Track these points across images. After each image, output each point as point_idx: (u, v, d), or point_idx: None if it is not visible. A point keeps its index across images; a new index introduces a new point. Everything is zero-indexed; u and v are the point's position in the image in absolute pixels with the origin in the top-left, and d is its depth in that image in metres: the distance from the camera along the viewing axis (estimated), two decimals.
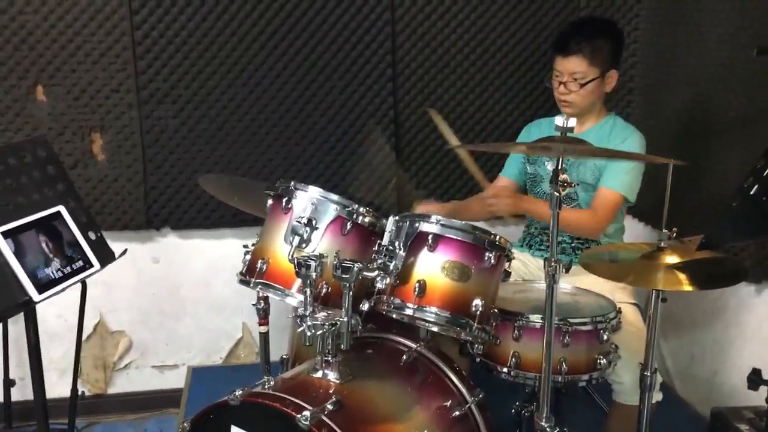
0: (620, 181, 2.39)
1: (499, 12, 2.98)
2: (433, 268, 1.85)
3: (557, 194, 1.67)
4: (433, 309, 1.83)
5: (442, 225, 1.86)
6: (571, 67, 2.38)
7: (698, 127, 2.68)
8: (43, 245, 1.82)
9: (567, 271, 1.73)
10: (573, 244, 2.52)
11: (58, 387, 2.81)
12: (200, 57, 2.80)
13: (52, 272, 1.80)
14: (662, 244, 1.88)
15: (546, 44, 3.01)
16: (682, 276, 1.80)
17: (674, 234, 1.89)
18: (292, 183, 2.00)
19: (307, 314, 1.75)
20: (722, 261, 1.92)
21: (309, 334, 1.74)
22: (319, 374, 1.79)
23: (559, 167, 1.67)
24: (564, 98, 2.44)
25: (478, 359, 2.08)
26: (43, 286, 1.76)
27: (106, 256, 2.02)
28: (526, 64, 3.05)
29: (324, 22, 2.85)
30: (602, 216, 2.39)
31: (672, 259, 1.84)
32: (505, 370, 2.03)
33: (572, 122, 1.68)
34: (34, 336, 1.88)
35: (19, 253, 1.73)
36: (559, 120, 1.69)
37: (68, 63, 2.72)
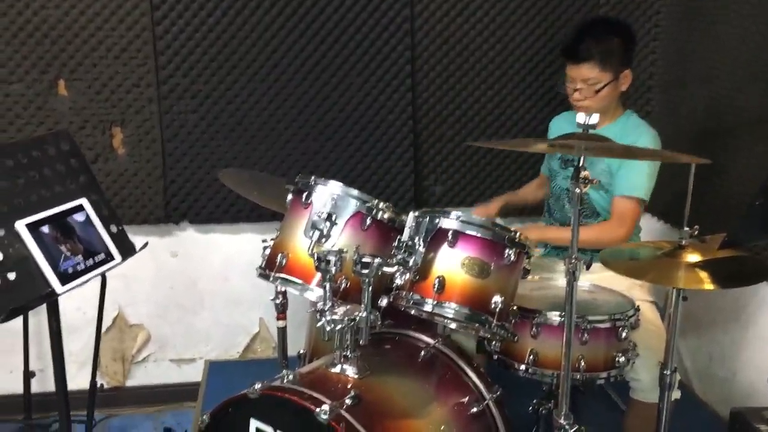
0: (634, 185, 2.35)
1: (518, 9, 2.97)
2: (452, 264, 1.84)
3: (578, 191, 1.66)
4: (453, 305, 1.82)
5: (462, 221, 1.86)
6: (584, 73, 2.35)
7: (718, 125, 2.65)
8: (66, 237, 1.83)
9: (588, 268, 1.72)
10: None
11: (77, 379, 2.82)
12: (220, 52, 2.81)
13: (75, 264, 1.82)
14: (683, 242, 1.86)
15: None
16: (703, 274, 1.78)
17: (695, 232, 1.87)
18: (313, 178, 2.00)
19: (326, 309, 1.76)
20: (744, 260, 1.90)
21: (328, 328, 1.74)
22: (338, 369, 1.79)
23: (581, 164, 1.67)
24: (580, 104, 2.41)
25: (495, 356, 2.07)
26: (65, 278, 1.77)
27: (127, 249, 2.03)
28: (545, 60, 3.03)
29: (343, 18, 2.85)
30: (623, 224, 2.35)
31: (693, 257, 1.83)
32: (522, 367, 2.02)
33: (594, 118, 1.67)
34: (56, 327, 1.89)
35: (42, 245, 1.75)
36: (581, 117, 1.68)
37: (89, 58, 2.74)
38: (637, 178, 2.35)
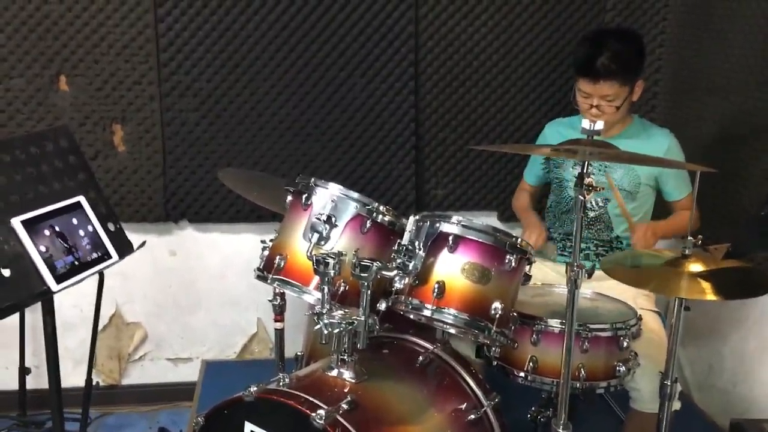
0: (684, 185, 2.49)
1: (523, 12, 2.94)
2: (452, 269, 1.82)
3: (582, 198, 1.64)
4: (452, 311, 1.81)
5: (463, 226, 1.84)
6: (603, 91, 2.31)
7: (724, 134, 2.64)
8: (63, 235, 1.81)
9: (590, 276, 1.70)
10: (597, 251, 2.48)
11: (72, 376, 2.81)
12: (222, 50, 2.79)
13: (71, 262, 1.80)
14: (687, 252, 1.84)
15: (570, 46, 2.97)
16: (705, 285, 1.76)
17: (699, 242, 1.86)
18: (313, 180, 1.98)
19: (324, 312, 1.74)
20: (747, 271, 1.88)
21: (326, 332, 1.73)
22: (335, 373, 1.78)
23: (585, 171, 1.65)
24: (597, 119, 2.36)
25: (494, 363, 2.05)
26: (61, 276, 1.76)
27: (125, 248, 2.02)
28: (550, 65, 3.01)
29: (347, 18, 2.83)
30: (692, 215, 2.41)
31: (696, 267, 1.81)
32: (522, 374, 2.00)
33: (599, 125, 1.66)
34: (51, 326, 1.87)
35: (38, 243, 1.73)
36: (585, 123, 1.66)
37: (91, 54, 2.72)
38: (682, 179, 2.49)
